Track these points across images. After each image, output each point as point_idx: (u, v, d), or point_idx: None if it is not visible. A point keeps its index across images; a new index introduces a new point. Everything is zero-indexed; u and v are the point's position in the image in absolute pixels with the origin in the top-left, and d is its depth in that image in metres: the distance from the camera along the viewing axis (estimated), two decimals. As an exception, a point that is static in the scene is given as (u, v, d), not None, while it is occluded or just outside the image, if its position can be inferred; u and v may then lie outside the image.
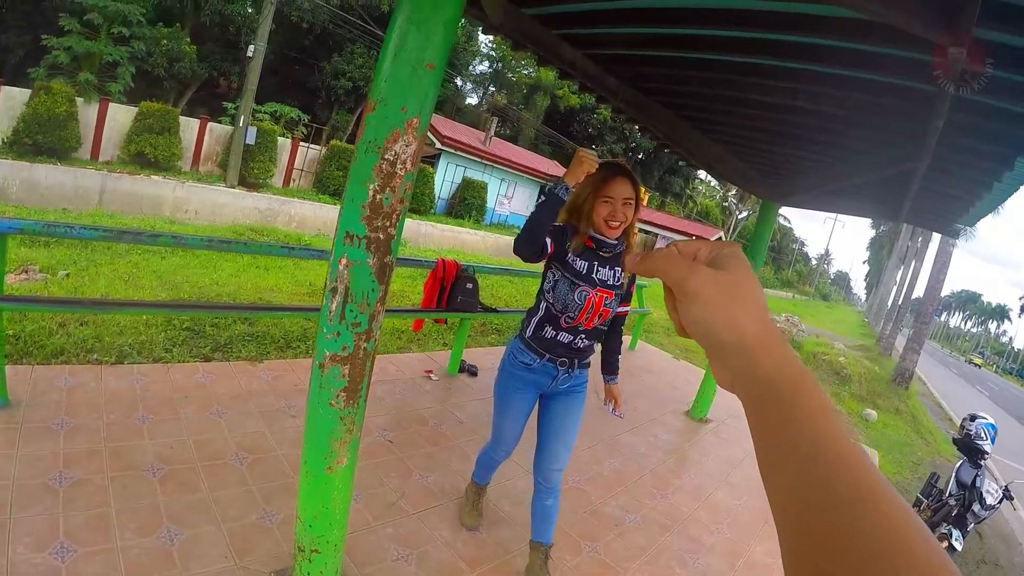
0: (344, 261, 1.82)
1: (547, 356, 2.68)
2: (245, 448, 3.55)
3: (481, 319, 6.13)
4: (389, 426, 4.26)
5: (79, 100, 16.17)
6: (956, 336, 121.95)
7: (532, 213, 2.40)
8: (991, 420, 5.51)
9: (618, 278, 2.64)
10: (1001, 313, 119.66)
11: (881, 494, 0.37)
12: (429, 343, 6.33)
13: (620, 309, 2.77)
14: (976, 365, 75.85)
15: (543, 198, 2.42)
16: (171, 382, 4.18)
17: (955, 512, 4.76)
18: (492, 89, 43.42)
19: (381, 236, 1.80)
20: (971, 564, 5.99)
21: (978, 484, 4.71)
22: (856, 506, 0.36)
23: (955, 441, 5.72)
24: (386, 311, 5.20)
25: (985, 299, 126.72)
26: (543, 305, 2.66)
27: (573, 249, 2.56)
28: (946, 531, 4.57)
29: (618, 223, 2.50)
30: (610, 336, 2.95)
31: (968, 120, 3.19)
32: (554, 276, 2.61)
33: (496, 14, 3.58)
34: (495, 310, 5.87)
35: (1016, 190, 4.07)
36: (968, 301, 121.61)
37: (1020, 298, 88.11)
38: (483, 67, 43.18)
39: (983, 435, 5.32)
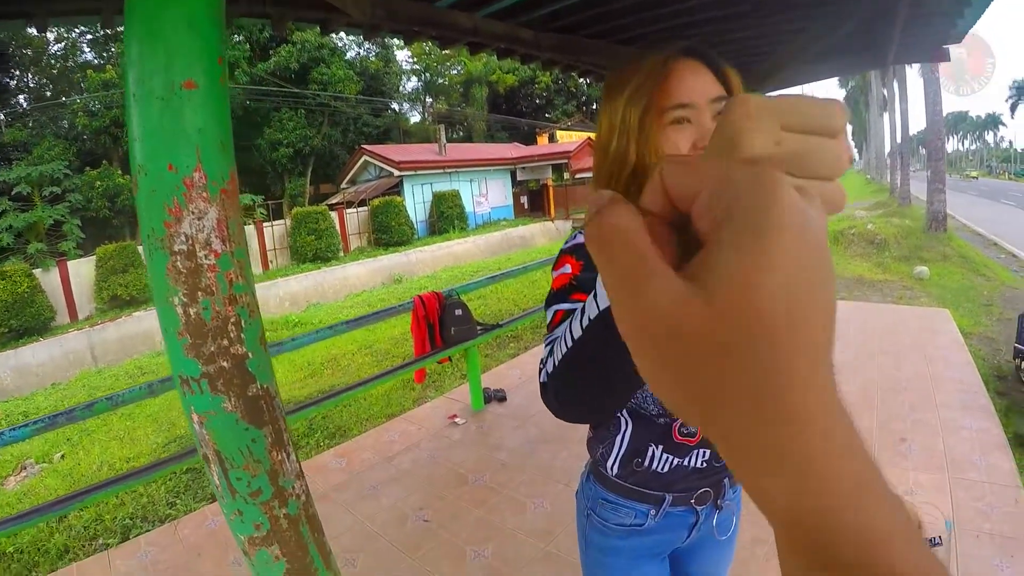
0: (195, 416, 1.20)
1: (669, 499, 1.30)
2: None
3: (488, 338, 5.52)
4: (424, 501, 3.66)
5: (37, 272, 15.80)
6: (958, 159, 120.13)
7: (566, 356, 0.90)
8: None
9: None
10: (994, 122, 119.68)
11: None
12: (445, 382, 5.72)
13: None
14: (973, 178, 77.83)
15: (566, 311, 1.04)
16: (181, 541, 3.71)
17: None
18: (429, 100, 43.03)
19: (226, 364, 1.17)
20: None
21: None
22: None
23: None
24: (380, 375, 4.71)
25: (973, 114, 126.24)
26: (624, 417, 1.27)
27: None
28: None
29: None
30: None
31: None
32: None
33: (360, 8, 2.96)
34: (498, 325, 5.28)
35: None
36: (958, 122, 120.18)
37: (1007, 99, 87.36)
38: (413, 83, 42.93)
39: None
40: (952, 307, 7.91)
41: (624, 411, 1.24)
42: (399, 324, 8.00)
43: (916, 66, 16.88)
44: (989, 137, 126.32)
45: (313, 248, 20.09)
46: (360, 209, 22.85)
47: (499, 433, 4.52)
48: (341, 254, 20.20)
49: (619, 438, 1.27)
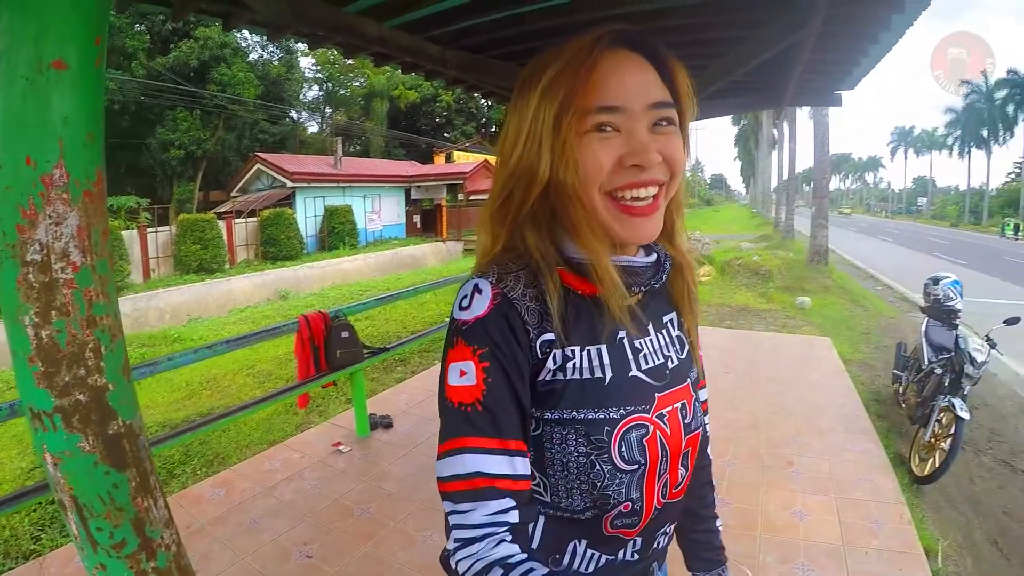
0: (48, 456, 1.01)
1: None
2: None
3: (375, 362, 5.27)
4: (308, 536, 3.38)
5: None
6: (839, 197, 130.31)
7: None
8: (953, 277, 5.24)
9: (684, 341, 1.01)
10: (874, 164, 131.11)
11: None
12: (329, 407, 5.43)
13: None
14: (846, 214, 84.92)
15: None
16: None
17: (947, 380, 4.39)
18: (329, 111, 42.21)
19: (83, 397, 0.98)
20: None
21: (963, 345, 4.34)
22: None
23: (924, 309, 5.43)
24: (262, 398, 4.41)
25: (855, 156, 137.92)
26: (541, 508, 0.91)
27: (576, 320, 0.86)
28: (946, 403, 4.18)
29: (655, 186, 0.83)
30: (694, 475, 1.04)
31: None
32: (529, 431, 0.86)
33: (267, 5, 2.78)
34: (385, 349, 5.08)
35: (890, 49, 4.03)
36: (841, 162, 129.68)
37: (888, 144, 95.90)
38: (314, 92, 42.04)
39: (951, 295, 5.05)
40: (833, 335, 8.35)
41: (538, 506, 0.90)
42: (283, 344, 7.61)
43: (807, 108, 17.97)
44: (869, 177, 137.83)
45: (198, 258, 19.09)
46: (249, 220, 21.95)
47: (385, 462, 4.30)
48: (227, 266, 19.28)
49: (532, 528, 0.92)
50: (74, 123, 0.93)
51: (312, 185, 24.63)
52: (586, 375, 0.84)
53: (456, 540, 0.79)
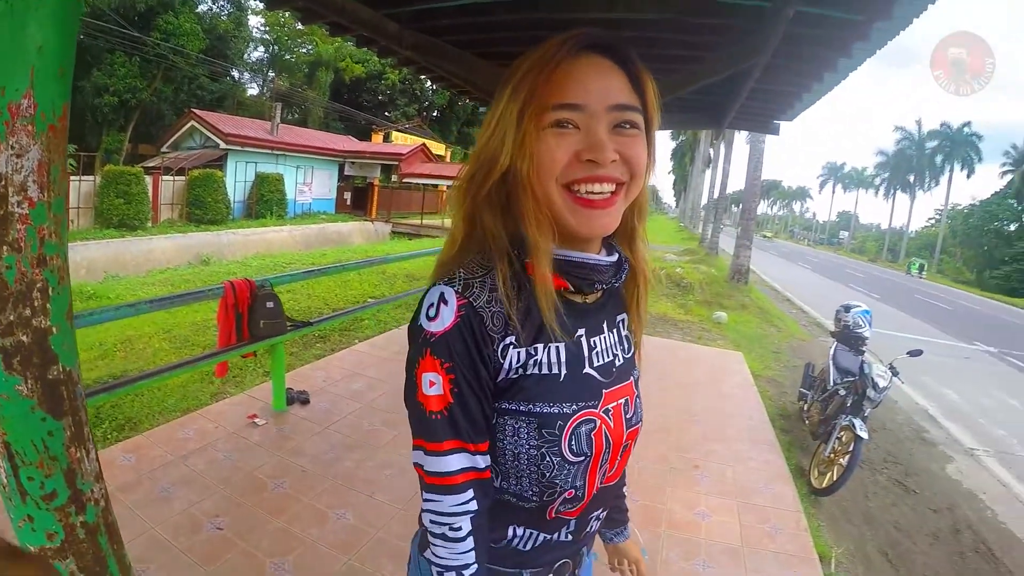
0: (-21, 398, 0.97)
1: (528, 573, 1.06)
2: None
3: (295, 336, 5.12)
4: (219, 508, 3.28)
5: None
6: (765, 222, 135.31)
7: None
8: (864, 307, 5.56)
9: (630, 342, 1.11)
10: (803, 194, 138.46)
11: None
12: (246, 378, 5.27)
13: None
14: (766, 237, 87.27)
15: None
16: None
17: (850, 401, 4.66)
18: (272, 75, 40.93)
19: (26, 338, 0.95)
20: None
21: (867, 371, 4.64)
22: None
23: (834, 334, 5.73)
24: (181, 363, 4.25)
25: (785, 184, 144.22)
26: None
27: (528, 319, 0.90)
28: (847, 422, 4.45)
29: (612, 183, 0.88)
30: None
31: (797, 29, 3.09)
32: (499, 420, 0.92)
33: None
34: (308, 324, 4.97)
35: (833, 88, 4.27)
36: (771, 188, 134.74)
37: (818, 177, 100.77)
38: (259, 53, 40.66)
39: (860, 323, 5.36)
40: (746, 351, 8.67)
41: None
42: (202, 310, 7.35)
43: (745, 133, 18.43)
44: (796, 206, 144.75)
45: (120, 213, 18.12)
46: (178, 178, 20.99)
47: (301, 437, 4.21)
48: (149, 224, 18.39)
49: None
50: (48, 53, 0.90)
51: (246, 149, 23.74)
52: (544, 371, 0.89)
53: (428, 522, 0.90)
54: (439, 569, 0.89)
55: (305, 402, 4.78)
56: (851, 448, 4.25)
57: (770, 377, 7.62)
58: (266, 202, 23.84)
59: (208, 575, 2.75)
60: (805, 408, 5.56)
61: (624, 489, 1.34)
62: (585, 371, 0.95)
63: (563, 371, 0.91)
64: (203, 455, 3.85)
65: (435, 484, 0.88)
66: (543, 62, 0.84)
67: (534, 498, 0.94)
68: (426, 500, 0.90)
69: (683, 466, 4.38)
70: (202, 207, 20.47)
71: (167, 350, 5.96)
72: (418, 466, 0.89)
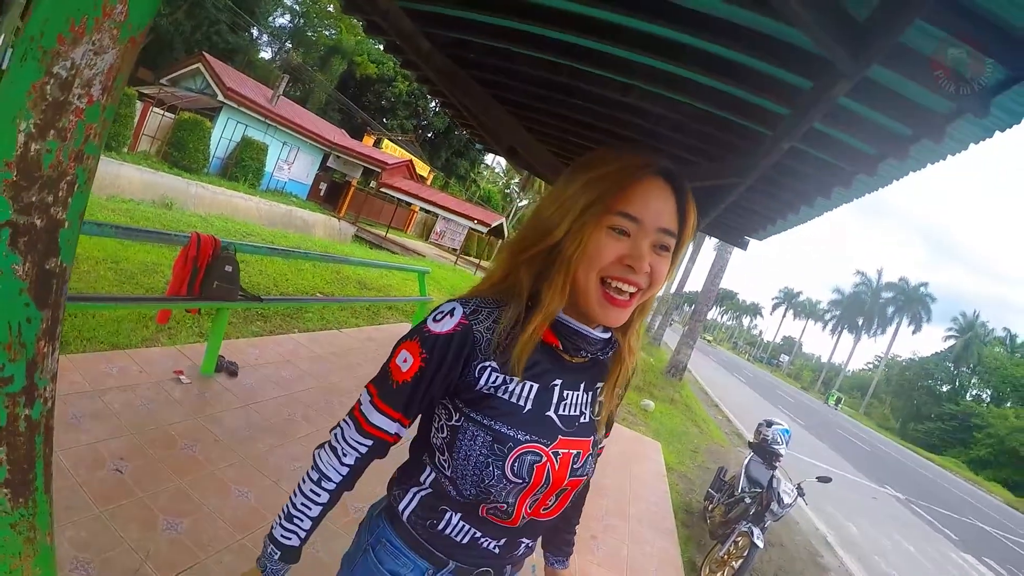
0: (-25, 265, 0.97)
1: (451, 567, 1.18)
2: None
3: (240, 307, 5.03)
4: (125, 451, 3.20)
5: None
6: (713, 327, 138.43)
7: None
8: (785, 426, 5.80)
9: (598, 408, 1.22)
10: (755, 310, 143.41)
11: None
12: (182, 333, 5.16)
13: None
14: (708, 342, 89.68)
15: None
16: None
17: (753, 510, 4.82)
18: (289, 45, 40.74)
19: (39, 222, 0.96)
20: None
21: (775, 485, 4.83)
22: None
23: (751, 445, 5.92)
24: (127, 298, 4.15)
25: (740, 297, 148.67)
26: (430, 475, 1.17)
27: (510, 353, 1.06)
28: (746, 529, 4.60)
29: (636, 288, 1.05)
30: (571, 504, 1.34)
31: (787, 161, 3.24)
32: (452, 419, 1.11)
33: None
34: (259, 299, 4.91)
35: (807, 221, 4.52)
36: (725, 298, 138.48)
37: (773, 298, 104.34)
38: (284, 20, 40.53)
39: (779, 440, 5.58)
40: (665, 443, 8.94)
41: (429, 473, 1.16)
42: (154, 252, 7.23)
43: (714, 240, 19.01)
44: (746, 320, 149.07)
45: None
46: (167, 115, 20.64)
47: (220, 407, 4.14)
48: (125, 150, 17.96)
49: (417, 491, 1.18)
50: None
51: (241, 109, 23.42)
52: (512, 399, 1.07)
53: (333, 436, 1.15)
54: (313, 466, 1.15)
55: (233, 374, 4.70)
56: (746, 553, 4.40)
57: (682, 472, 7.82)
58: (244, 167, 23.39)
59: (100, 515, 2.67)
60: (710, 508, 5.72)
61: (576, 528, 1.65)
62: (548, 413, 1.10)
63: (528, 406, 1.08)
64: (121, 395, 3.76)
65: (357, 419, 1.12)
66: (624, 174, 1.01)
67: (470, 496, 1.10)
68: (344, 422, 1.14)
69: (582, 533, 4.39)
70: (182, 151, 19.99)
71: (110, 280, 5.80)
72: (358, 401, 1.13)
